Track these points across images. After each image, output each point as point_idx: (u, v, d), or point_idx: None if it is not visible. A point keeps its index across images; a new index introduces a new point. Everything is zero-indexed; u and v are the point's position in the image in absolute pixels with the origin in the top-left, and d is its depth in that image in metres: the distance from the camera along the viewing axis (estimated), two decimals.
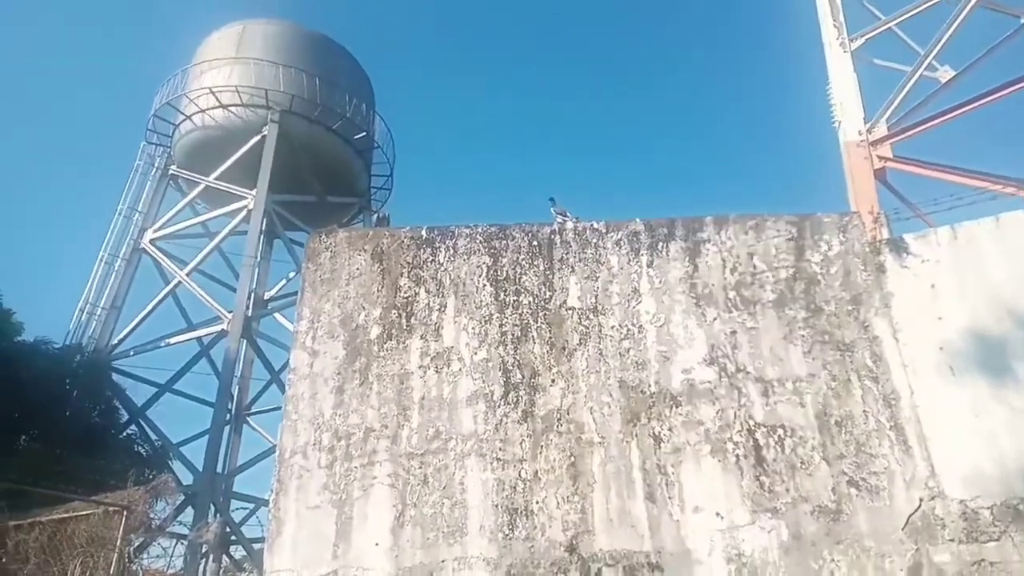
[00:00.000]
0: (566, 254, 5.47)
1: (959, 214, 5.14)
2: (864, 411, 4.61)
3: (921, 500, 4.20)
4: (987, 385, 4.35)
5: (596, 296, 5.29)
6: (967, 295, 4.64)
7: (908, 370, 4.62)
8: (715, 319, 5.07)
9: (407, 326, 5.32)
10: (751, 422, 4.72)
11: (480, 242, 5.59)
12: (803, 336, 4.92)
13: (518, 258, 5.49)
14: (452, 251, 5.58)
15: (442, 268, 5.52)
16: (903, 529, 4.15)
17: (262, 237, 18.57)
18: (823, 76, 9.20)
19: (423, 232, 5.70)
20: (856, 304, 4.94)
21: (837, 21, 9.31)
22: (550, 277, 5.40)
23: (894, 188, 8.15)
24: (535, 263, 5.46)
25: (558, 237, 5.55)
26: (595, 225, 5.57)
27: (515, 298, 5.35)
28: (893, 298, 4.84)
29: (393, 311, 5.39)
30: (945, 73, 9.03)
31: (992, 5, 9.16)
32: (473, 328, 5.26)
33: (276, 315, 18.45)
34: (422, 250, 5.61)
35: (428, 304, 5.39)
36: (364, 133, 20.05)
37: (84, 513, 7.17)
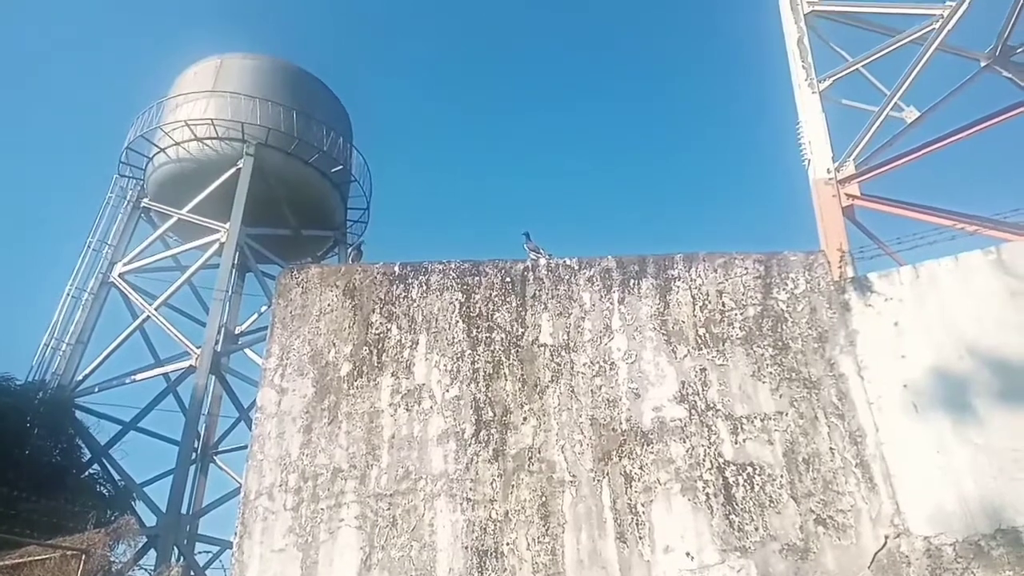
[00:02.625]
0: (539, 291, 5.53)
1: (923, 252, 5.30)
2: (831, 448, 4.69)
3: (887, 538, 4.26)
4: (950, 422, 4.45)
5: (568, 333, 5.34)
6: (930, 333, 4.77)
7: (873, 407, 4.72)
8: (685, 356, 5.15)
9: (378, 363, 5.33)
10: (721, 460, 4.77)
11: (453, 278, 5.64)
12: (771, 373, 5.02)
13: (491, 295, 5.54)
14: (425, 287, 5.62)
15: (414, 304, 5.55)
16: (869, 567, 4.19)
17: (234, 271, 18.52)
18: (793, 115, 9.55)
19: (396, 268, 5.74)
20: (822, 342, 5.05)
21: (806, 62, 9.72)
22: (523, 314, 5.45)
23: (862, 225, 8.44)
24: (508, 300, 5.52)
25: (531, 274, 5.62)
26: (568, 262, 5.65)
27: (487, 335, 5.39)
28: (858, 336, 4.96)
29: (364, 348, 5.40)
30: (910, 113, 9.44)
31: (954, 49, 9.62)
32: (445, 365, 5.27)
33: (246, 351, 18.30)
34: (395, 286, 5.65)
35: (400, 341, 5.41)
36: (341, 166, 20.24)
37: (40, 558, 6.97)
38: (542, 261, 5.76)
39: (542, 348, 5.30)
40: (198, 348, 16.52)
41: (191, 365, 16.55)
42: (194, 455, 17.28)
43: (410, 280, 5.66)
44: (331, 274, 5.80)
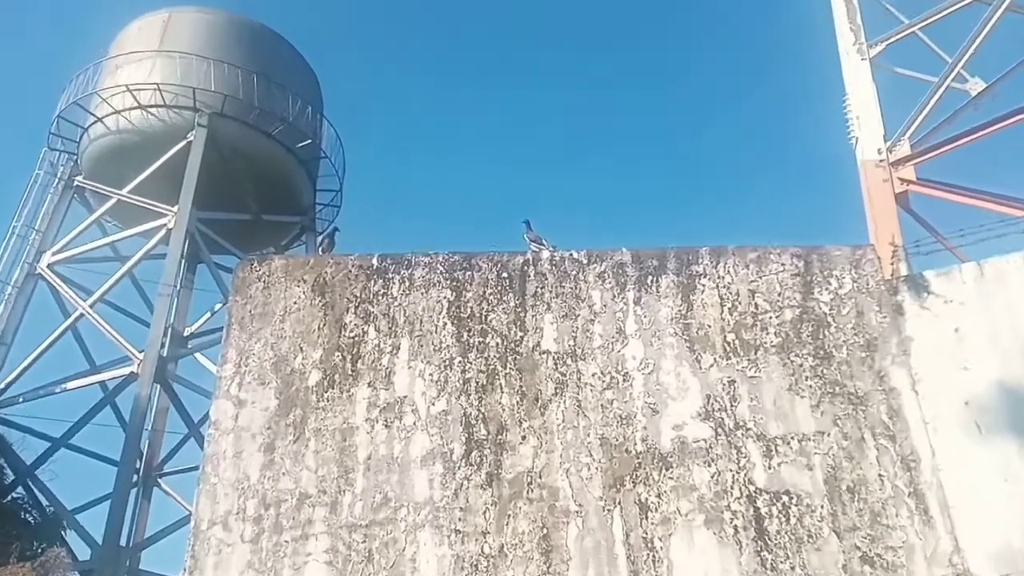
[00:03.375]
0: (541, 288, 5.55)
1: (989, 247, 5.29)
2: (880, 475, 4.71)
3: None
4: (1018, 445, 4.47)
5: (575, 337, 5.37)
6: (996, 341, 4.79)
7: (929, 428, 4.73)
8: (711, 366, 5.18)
9: (352, 371, 5.35)
10: (752, 487, 4.79)
11: (441, 273, 5.65)
12: (811, 387, 5.04)
13: (485, 292, 5.56)
14: (408, 283, 5.63)
15: (395, 303, 5.57)
16: None
17: (184, 262, 18.51)
18: (839, 87, 9.54)
19: (374, 260, 5.75)
20: (870, 350, 5.08)
21: (854, 24, 9.68)
22: (522, 315, 5.48)
23: (918, 215, 8.45)
24: (504, 299, 5.54)
25: (532, 268, 5.63)
26: (575, 255, 5.67)
27: (481, 339, 5.41)
28: (912, 344, 4.98)
29: (336, 353, 5.42)
30: (975, 85, 9.40)
31: None
32: (431, 374, 5.30)
33: (198, 355, 18.31)
34: (372, 282, 5.65)
35: (378, 346, 5.43)
36: (309, 140, 20.21)
37: None
38: (545, 254, 5.78)
39: (544, 355, 5.32)
40: (140, 352, 16.52)
41: (132, 372, 16.53)
42: (135, 477, 17.25)
43: (390, 275, 5.66)
44: (298, 267, 5.80)
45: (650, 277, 5.50)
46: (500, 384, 5.25)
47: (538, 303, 5.50)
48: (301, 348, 5.45)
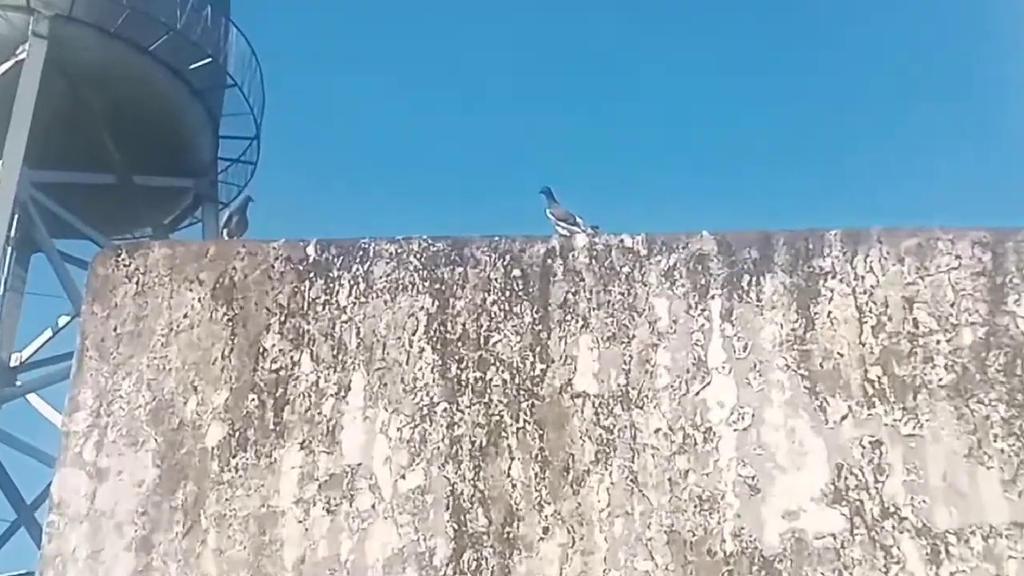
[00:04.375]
0: (573, 294, 5.51)
1: None
2: None
3: None
4: None
5: (627, 371, 5.32)
6: None
7: None
8: (844, 418, 5.10)
9: (276, 425, 5.33)
10: None
11: (416, 270, 5.64)
12: (1003, 452, 4.94)
13: (484, 301, 5.54)
14: (364, 285, 5.62)
15: (344, 317, 5.56)
16: None
17: (10, 250, 18.46)
18: None
19: (310, 249, 5.74)
20: None
21: None
22: (543, 337, 5.44)
23: None
24: (516, 310, 5.50)
25: (559, 262, 5.60)
26: (628, 241, 5.63)
27: (478, 375, 5.38)
28: None
29: (251, 396, 5.41)
30: None
31: None
32: (399, 428, 5.27)
33: (30, 397, 18.25)
34: (307, 283, 5.65)
35: (316, 384, 5.41)
36: (209, 59, 20.09)
37: None
38: (580, 239, 5.73)
39: (579, 400, 5.27)
40: None
41: None
42: None
43: (336, 272, 5.65)
44: (190, 258, 5.77)
45: (747, 277, 5.43)
46: (508, 445, 5.20)
47: (569, 318, 5.45)
48: (195, 387, 5.44)
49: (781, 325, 5.35)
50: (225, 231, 9.49)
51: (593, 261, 5.60)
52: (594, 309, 5.50)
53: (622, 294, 5.52)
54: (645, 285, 5.52)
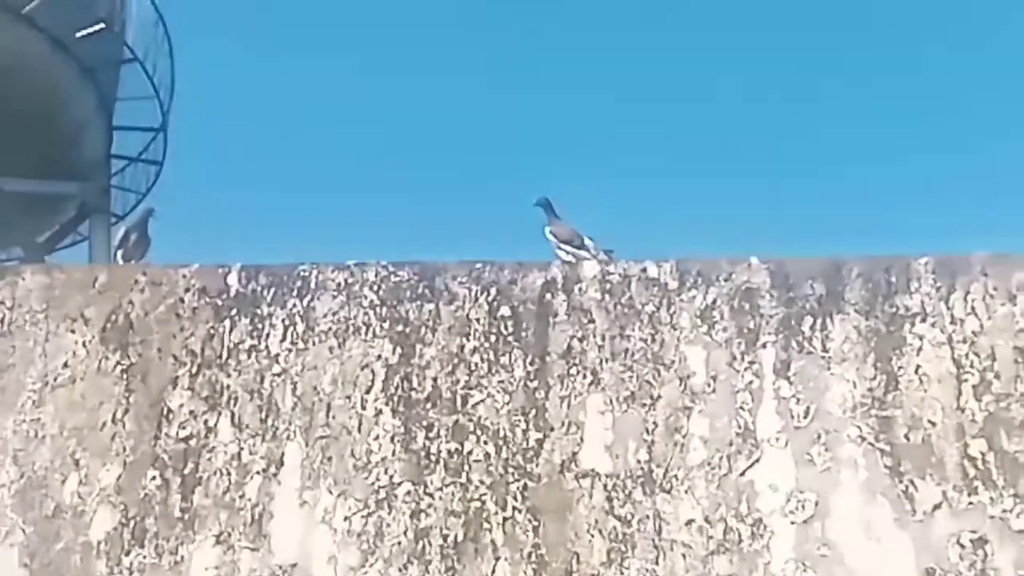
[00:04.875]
0: (580, 339, 5.43)
1: None
2: None
3: None
4: None
5: (650, 443, 5.22)
6: None
7: None
8: (937, 507, 5.00)
9: (185, 511, 5.30)
10: None
11: (371, 306, 5.60)
12: None
13: (461, 347, 5.50)
14: (301, 327, 5.61)
15: (275, 368, 5.52)
16: None
17: None
18: None
19: (232, 278, 5.72)
20: None
21: None
22: (539, 396, 5.36)
23: None
24: (502, 361, 5.45)
25: (561, 297, 5.52)
26: (651, 270, 5.54)
27: (452, 445, 5.33)
28: None
29: (152, 472, 5.39)
30: None
31: None
32: (347, 517, 5.21)
33: None
34: (228, 323, 5.64)
35: (238, 456, 5.39)
36: (101, 25, 20.07)
37: None
38: (589, 267, 5.67)
39: (586, 481, 5.21)
40: None
41: None
42: None
43: (268, 307, 5.64)
44: (73, 287, 5.80)
45: (810, 319, 5.34)
46: (493, 540, 5.14)
47: (575, 371, 5.37)
48: (77, 461, 5.42)
49: (854, 383, 5.24)
50: (120, 253, 9.39)
51: (606, 296, 5.51)
52: (607, 360, 5.39)
53: (644, 341, 5.42)
54: (675, 329, 5.41)
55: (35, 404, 5.59)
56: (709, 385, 5.34)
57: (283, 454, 5.41)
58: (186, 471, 5.42)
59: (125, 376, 5.61)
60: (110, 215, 20.21)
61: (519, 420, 5.39)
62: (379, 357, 5.54)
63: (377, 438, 5.41)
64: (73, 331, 5.71)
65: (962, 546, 4.93)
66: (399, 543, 5.19)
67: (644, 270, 5.60)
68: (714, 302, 5.48)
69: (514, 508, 5.23)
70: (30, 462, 5.49)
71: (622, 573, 5.05)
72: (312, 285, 5.70)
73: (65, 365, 5.64)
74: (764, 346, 5.38)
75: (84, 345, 5.67)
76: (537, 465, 5.31)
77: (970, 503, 5.00)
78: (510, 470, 5.31)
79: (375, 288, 5.68)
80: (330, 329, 5.62)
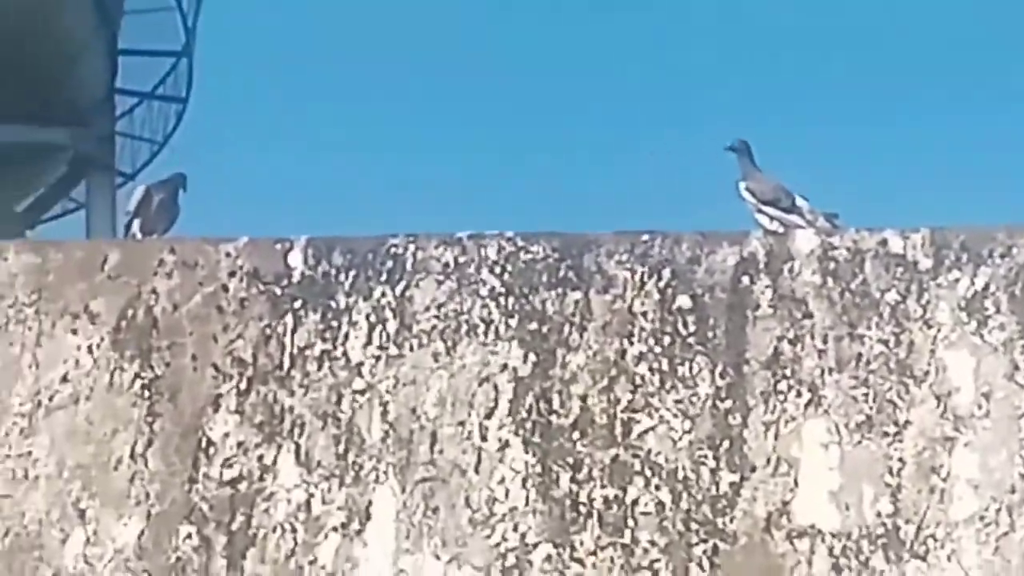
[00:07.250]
0: (791, 341, 4.69)
1: None
2: None
3: None
4: None
5: (895, 489, 4.55)
6: None
7: None
8: None
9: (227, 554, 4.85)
10: None
11: (492, 294, 4.95)
12: None
13: (620, 354, 4.72)
14: (394, 324, 4.91)
15: (358, 383, 4.85)
16: None
17: None
18: None
19: (295, 257, 5.05)
20: None
21: None
22: (732, 422, 4.65)
23: None
24: (680, 372, 4.70)
25: (763, 281, 4.74)
26: (893, 243, 4.74)
27: (610, 491, 4.72)
28: None
29: (187, 527, 4.83)
30: None
31: None
32: None
33: None
34: (289, 318, 5.00)
35: (304, 503, 4.82)
36: None
37: None
38: (804, 238, 4.93)
39: (802, 541, 4.60)
40: None
41: None
42: None
43: (345, 295, 4.97)
44: (74, 270, 5.21)
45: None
46: None
47: (784, 386, 4.58)
48: (82, 511, 4.85)
49: None
50: (137, 223, 8.27)
51: (829, 280, 4.62)
52: (831, 371, 4.53)
53: (885, 344, 4.51)
54: (930, 327, 4.48)
55: (23, 433, 4.94)
56: (980, 407, 4.54)
57: (370, 503, 4.80)
58: (234, 527, 4.80)
59: (147, 394, 4.90)
60: (115, 173, 18.91)
61: (705, 456, 4.68)
62: (505, 367, 4.81)
63: (503, 481, 4.77)
64: (75, 331, 4.98)
65: None
66: None
67: (884, 243, 4.72)
68: (986, 288, 4.60)
69: None
70: (18, 514, 4.88)
71: None
72: (408, 266, 4.88)
73: (64, 379, 4.93)
74: None
75: (90, 351, 4.94)
76: (732, 520, 4.63)
77: None
78: (693, 527, 4.66)
79: (498, 270, 4.87)
80: (434, 328, 4.85)
